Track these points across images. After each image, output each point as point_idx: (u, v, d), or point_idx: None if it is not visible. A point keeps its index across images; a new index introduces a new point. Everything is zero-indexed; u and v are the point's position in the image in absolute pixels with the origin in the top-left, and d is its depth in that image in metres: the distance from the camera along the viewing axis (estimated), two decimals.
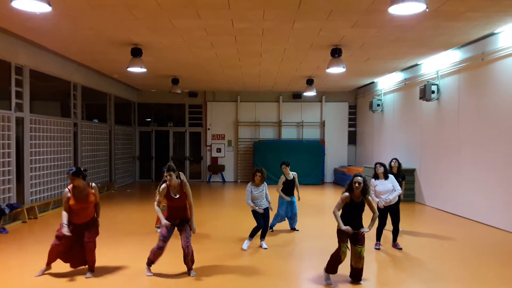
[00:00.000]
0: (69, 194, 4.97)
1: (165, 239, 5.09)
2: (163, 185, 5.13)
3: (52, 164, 9.79)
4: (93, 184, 5.14)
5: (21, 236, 7.25)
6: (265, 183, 6.51)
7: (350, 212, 4.96)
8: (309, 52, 9.19)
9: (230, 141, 16.56)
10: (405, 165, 11.58)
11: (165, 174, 5.01)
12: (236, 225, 8.15)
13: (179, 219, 5.16)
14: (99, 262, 5.40)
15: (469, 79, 8.94)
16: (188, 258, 5.16)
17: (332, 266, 4.95)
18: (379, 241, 6.61)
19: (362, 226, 4.96)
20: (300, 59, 9.99)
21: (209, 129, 16.59)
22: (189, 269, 5.20)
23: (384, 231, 6.70)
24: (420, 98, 10.33)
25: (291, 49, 8.89)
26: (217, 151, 16.47)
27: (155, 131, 16.81)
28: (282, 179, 7.49)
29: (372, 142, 14.70)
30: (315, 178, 15.24)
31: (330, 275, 4.97)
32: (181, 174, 5.26)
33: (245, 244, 6.38)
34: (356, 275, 4.99)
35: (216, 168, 16.39)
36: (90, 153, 12.11)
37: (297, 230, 7.65)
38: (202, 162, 16.73)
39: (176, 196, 5.11)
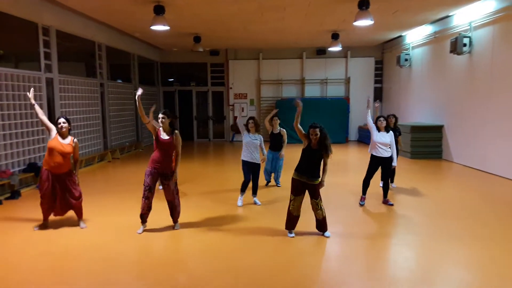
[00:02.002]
0: (55, 135, 5.17)
1: (150, 189, 5.05)
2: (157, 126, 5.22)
3: (82, 124, 10.08)
4: (75, 140, 5.27)
5: None
6: (260, 136, 6.45)
7: (307, 158, 4.82)
8: (334, 5, 8.85)
9: (253, 100, 16.50)
10: (433, 122, 11.41)
11: (160, 116, 4.99)
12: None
13: (163, 171, 5.07)
14: (122, 217, 5.65)
15: (504, 30, 8.46)
16: (175, 211, 5.24)
17: (287, 222, 4.96)
18: (364, 195, 6.39)
19: (318, 176, 4.83)
20: (325, 13, 9.65)
21: (231, 88, 16.53)
22: (175, 222, 5.31)
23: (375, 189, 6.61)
24: (451, 51, 9.91)
25: (316, 1, 8.58)
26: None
27: (178, 91, 16.91)
28: (270, 130, 7.83)
29: (399, 98, 14.36)
30: (339, 136, 15.13)
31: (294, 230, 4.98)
32: (177, 132, 5.16)
33: (239, 201, 6.49)
34: (319, 226, 5.00)
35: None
36: (116, 113, 12.38)
37: (279, 186, 7.73)
38: (224, 122, 16.85)
39: (165, 137, 5.04)
